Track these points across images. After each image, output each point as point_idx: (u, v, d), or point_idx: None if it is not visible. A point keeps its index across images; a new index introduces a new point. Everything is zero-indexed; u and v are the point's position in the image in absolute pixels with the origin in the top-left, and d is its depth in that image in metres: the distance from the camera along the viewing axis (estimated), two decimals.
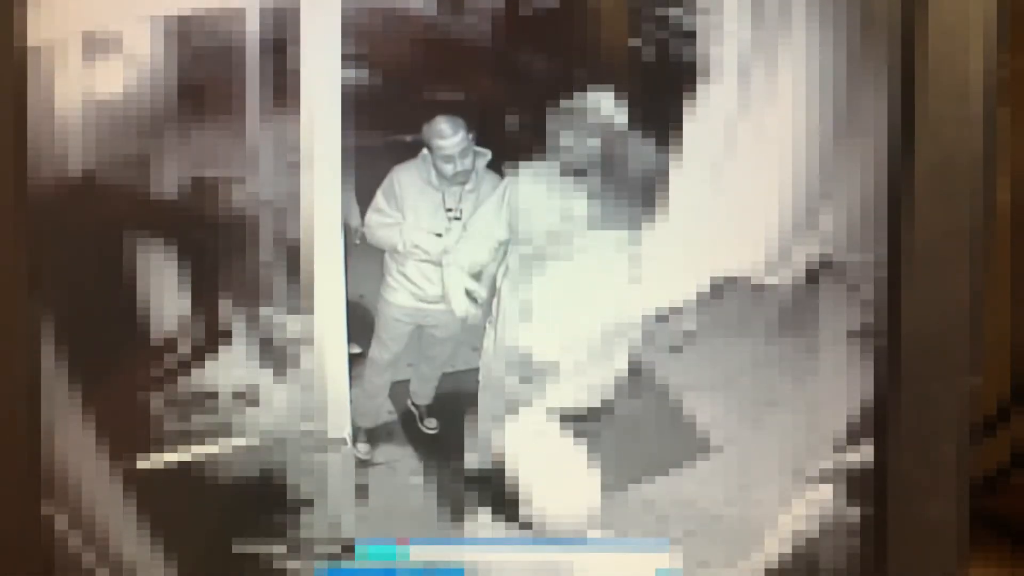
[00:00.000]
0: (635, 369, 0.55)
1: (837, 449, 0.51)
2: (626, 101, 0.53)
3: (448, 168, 0.60)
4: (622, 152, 0.55)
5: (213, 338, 0.53)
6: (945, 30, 0.48)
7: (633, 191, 0.55)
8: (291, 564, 0.53)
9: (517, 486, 0.55)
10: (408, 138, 0.59)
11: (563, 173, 0.57)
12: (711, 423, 0.54)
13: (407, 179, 0.61)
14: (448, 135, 0.59)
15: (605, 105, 0.54)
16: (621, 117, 0.54)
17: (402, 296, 0.62)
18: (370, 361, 0.61)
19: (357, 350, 0.59)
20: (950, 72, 0.48)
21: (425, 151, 0.60)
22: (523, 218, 0.59)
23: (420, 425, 0.63)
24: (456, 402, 0.60)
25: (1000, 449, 0.63)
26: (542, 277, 0.58)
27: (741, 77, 0.52)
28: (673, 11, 0.52)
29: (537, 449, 0.55)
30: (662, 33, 0.52)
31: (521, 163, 0.57)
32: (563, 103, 0.54)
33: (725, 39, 0.51)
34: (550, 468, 0.54)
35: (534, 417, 0.55)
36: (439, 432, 0.60)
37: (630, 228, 0.55)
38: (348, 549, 0.53)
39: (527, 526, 0.54)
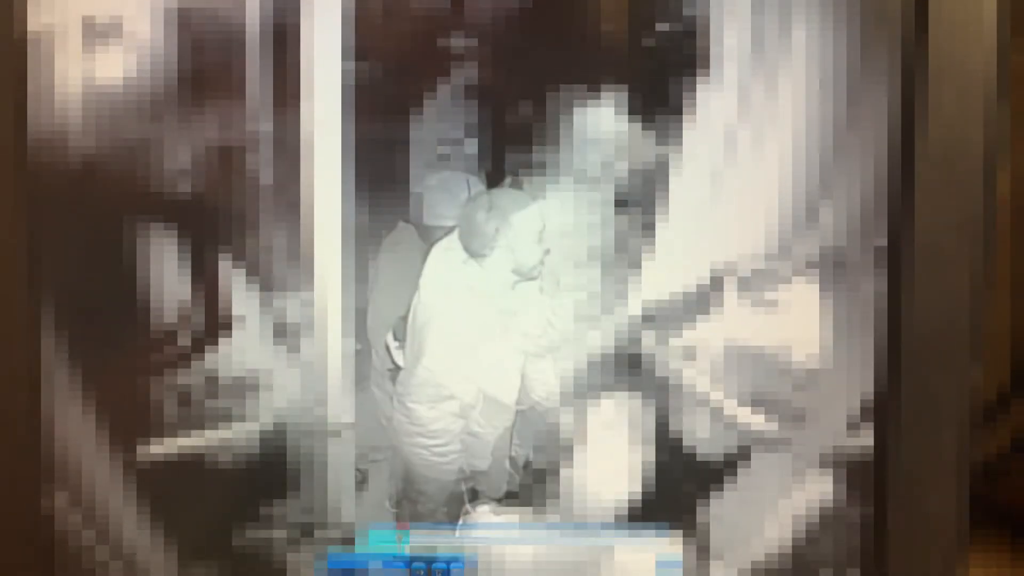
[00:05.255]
0: (635, 362, 0.55)
1: (838, 438, 0.51)
2: (626, 104, 0.53)
3: (485, 239, 0.58)
4: (622, 156, 0.55)
5: (214, 326, 0.53)
6: (951, 24, 0.48)
7: (633, 189, 0.55)
8: (291, 553, 0.53)
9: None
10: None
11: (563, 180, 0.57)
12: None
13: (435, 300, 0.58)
14: (482, 207, 0.57)
15: (605, 115, 0.54)
16: (622, 126, 0.54)
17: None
18: None
19: (357, 347, 0.59)
20: (955, 65, 0.48)
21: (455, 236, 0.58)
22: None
23: None
24: None
25: (1000, 437, 0.63)
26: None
27: (743, 69, 0.52)
28: (674, 2, 0.52)
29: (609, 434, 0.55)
30: (664, 25, 0.52)
31: (521, 170, 0.57)
32: (563, 119, 0.54)
33: (728, 32, 0.51)
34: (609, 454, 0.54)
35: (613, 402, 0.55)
36: None
37: (630, 225, 0.55)
38: (349, 536, 0.53)
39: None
